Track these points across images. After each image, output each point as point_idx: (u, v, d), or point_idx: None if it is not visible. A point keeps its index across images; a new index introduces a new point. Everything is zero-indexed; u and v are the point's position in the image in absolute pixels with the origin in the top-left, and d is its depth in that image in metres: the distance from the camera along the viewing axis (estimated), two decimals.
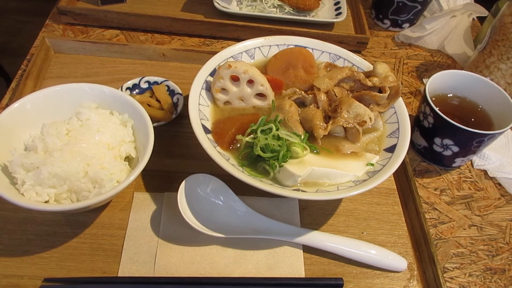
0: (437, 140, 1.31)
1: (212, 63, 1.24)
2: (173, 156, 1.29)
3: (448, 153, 1.32)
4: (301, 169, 1.02)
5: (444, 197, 1.33)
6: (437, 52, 1.87)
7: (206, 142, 1.05)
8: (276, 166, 1.03)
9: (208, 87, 1.21)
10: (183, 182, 1.10)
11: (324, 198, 0.99)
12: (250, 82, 1.08)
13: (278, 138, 1.06)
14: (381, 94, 1.18)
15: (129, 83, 1.38)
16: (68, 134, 1.05)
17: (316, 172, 1.03)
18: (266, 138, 1.05)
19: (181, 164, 1.27)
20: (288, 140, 1.06)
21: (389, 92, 1.19)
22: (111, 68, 1.50)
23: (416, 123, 1.39)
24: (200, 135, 1.05)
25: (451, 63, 1.82)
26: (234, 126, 1.10)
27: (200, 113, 1.13)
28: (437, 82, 1.37)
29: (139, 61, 1.54)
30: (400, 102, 1.22)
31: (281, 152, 1.03)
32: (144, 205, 1.16)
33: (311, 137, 1.03)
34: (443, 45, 1.83)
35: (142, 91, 1.40)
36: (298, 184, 1.04)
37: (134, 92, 1.39)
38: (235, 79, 1.10)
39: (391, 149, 1.12)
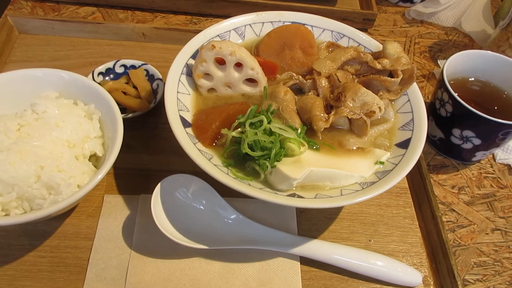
0: (456, 131, 1.14)
1: (194, 43, 1.06)
2: (151, 151, 1.12)
3: (468, 146, 1.15)
4: (297, 171, 0.85)
5: (463, 196, 1.16)
6: (453, 30, 1.68)
7: (184, 138, 0.88)
8: (267, 167, 0.86)
9: (190, 72, 1.03)
10: (159, 185, 0.93)
11: (324, 206, 0.82)
12: (238, 65, 0.91)
13: (270, 132, 0.88)
14: (392, 79, 1.00)
15: (102, 68, 1.21)
16: (20, 130, 0.88)
17: (315, 174, 0.86)
18: (256, 133, 0.88)
19: (160, 161, 1.10)
20: (282, 135, 0.88)
21: (401, 76, 1.01)
22: (83, 50, 1.33)
23: (431, 111, 1.21)
24: (177, 130, 0.88)
25: (468, 42, 1.63)
26: (219, 118, 0.93)
27: (179, 103, 0.95)
28: (456, 64, 1.19)
29: (115, 42, 1.36)
30: (414, 88, 1.04)
31: (273, 150, 0.86)
32: (115, 210, 1.00)
33: (309, 131, 0.89)
34: (459, 22, 1.64)
35: (117, 76, 1.23)
36: (294, 188, 0.87)
37: (107, 78, 1.21)
38: (220, 62, 0.92)
39: (405, 144, 0.95)
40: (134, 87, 1.20)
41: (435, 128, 1.21)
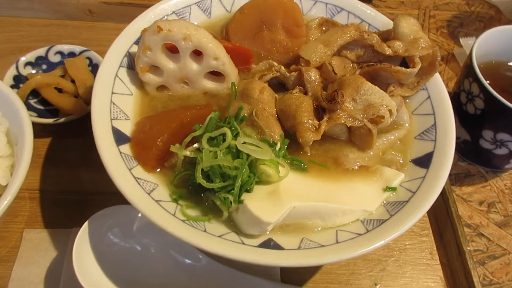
0: (487, 134, 0.88)
1: (139, 24, 0.79)
2: (92, 167, 0.85)
3: (502, 151, 0.90)
4: (273, 209, 0.60)
5: (494, 215, 0.92)
6: None
7: (114, 161, 0.62)
8: (230, 203, 0.59)
9: (133, 64, 0.76)
10: (86, 224, 0.67)
11: (311, 263, 0.57)
12: (197, 53, 0.70)
13: (237, 153, 0.62)
14: (407, 70, 0.73)
15: (30, 56, 0.95)
16: None
17: (300, 210, 0.61)
18: (216, 154, 0.61)
19: (103, 180, 0.83)
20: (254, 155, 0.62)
21: (420, 65, 0.74)
22: (13, 32, 1.07)
23: (453, 106, 0.93)
24: (104, 150, 0.62)
25: (494, 14, 1.36)
26: (168, 130, 0.67)
27: (114, 109, 0.69)
28: (487, 44, 0.93)
29: (56, 21, 1.10)
30: (436, 81, 0.79)
31: (239, 179, 0.59)
32: (37, 252, 0.75)
33: (294, 143, 0.71)
34: None
35: (52, 67, 0.96)
36: (268, 232, 0.61)
37: (36, 70, 0.94)
38: (172, 49, 0.65)
39: (425, 161, 0.70)
40: (73, 81, 0.92)
41: (459, 128, 0.94)
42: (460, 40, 1.23)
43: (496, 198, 0.95)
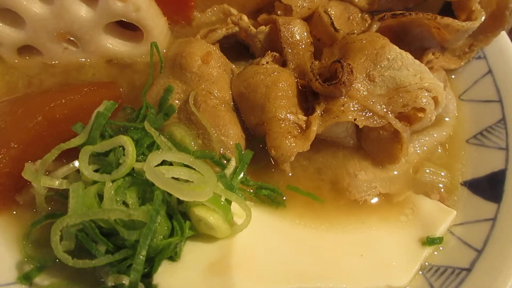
0: None
1: None
2: None
3: None
4: None
5: None
6: None
7: None
8: None
9: None
10: None
11: None
12: None
13: (151, 185, 0.31)
14: (463, 23, 0.48)
15: None
16: None
17: None
18: (101, 190, 0.30)
19: None
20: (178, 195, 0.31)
21: (483, 15, 0.44)
22: None
23: None
24: None
25: None
26: (20, 134, 0.42)
27: None
28: None
29: None
30: (501, 44, 0.57)
31: (143, 248, 0.28)
32: None
33: (263, 155, 0.47)
34: None
35: None
36: None
37: None
38: None
39: (489, 187, 0.51)
40: None
41: None
42: None
43: None
